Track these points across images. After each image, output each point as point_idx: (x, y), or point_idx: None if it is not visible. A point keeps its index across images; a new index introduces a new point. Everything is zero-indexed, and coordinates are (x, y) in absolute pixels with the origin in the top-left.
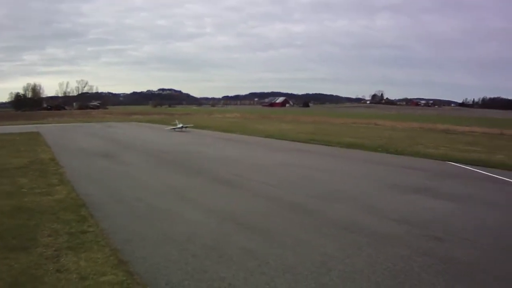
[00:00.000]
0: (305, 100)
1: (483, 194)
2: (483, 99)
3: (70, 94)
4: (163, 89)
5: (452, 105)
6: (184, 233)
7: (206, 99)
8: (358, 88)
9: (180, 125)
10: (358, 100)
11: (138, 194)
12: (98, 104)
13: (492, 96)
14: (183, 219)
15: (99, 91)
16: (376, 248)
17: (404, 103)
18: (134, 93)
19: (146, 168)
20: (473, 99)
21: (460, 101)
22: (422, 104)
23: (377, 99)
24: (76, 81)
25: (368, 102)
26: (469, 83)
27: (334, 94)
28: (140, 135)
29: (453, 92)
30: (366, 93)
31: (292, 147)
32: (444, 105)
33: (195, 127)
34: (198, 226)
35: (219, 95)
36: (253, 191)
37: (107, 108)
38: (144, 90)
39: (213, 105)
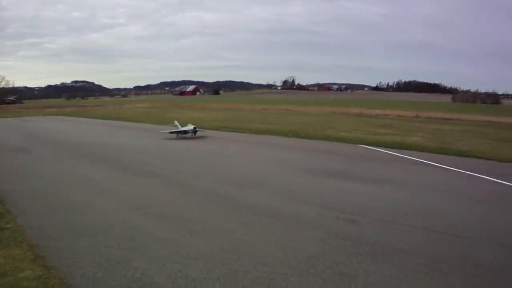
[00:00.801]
0: (216, 88)
1: (394, 175)
2: (398, 83)
3: None
4: (76, 81)
5: (366, 89)
6: (98, 225)
7: (118, 90)
8: (270, 74)
9: (191, 127)
10: (269, 87)
11: (54, 187)
12: (14, 99)
13: (407, 80)
14: (97, 211)
15: (15, 85)
16: (289, 232)
17: (316, 88)
18: (49, 86)
19: (59, 161)
20: (387, 82)
21: (374, 85)
22: (335, 89)
23: (288, 85)
24: None
25: (279, 88)
26: (383, 67)
27: (245, 81)
28: (54, 127)
29: (366, 76)
30: (277, 79)
31: (202, 135)
32: (357, 89)
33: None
34: (111, 217)
35: (130, 85)
36: (166, 180)
37: (22, 103)
38: (59, 83)
39: (124, 96)
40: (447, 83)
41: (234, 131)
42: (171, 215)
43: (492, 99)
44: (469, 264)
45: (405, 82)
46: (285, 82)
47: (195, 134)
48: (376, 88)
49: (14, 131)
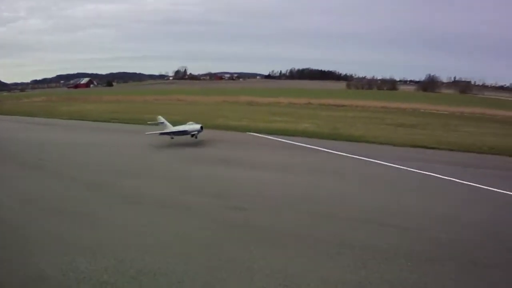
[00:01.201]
0: (109, 80)
1: (282, 161)
2: (291, 71)
3: None
4: None
5: (258, 77)
6: None
7: (16, 84)
8: (164, 65)
9: (196, 126)
10: (162, 77)
11: None
12: None
13: (300, 68)
14: None
15: None
16: (178, 221)
17: (208, 77)
18: None
19: None
20: (280, 71)
21: (267, 74)
22: (227, 78)
23: (180, 75)
24: None
25: (171, 78)
26: (276, 56)
27: (138, 72)
28: None
29: (259, 65)
30: (170, 70)
31: (94, 127)
32: (249, 78)
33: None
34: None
35: (28, 79)
36: (53, 173)
37: None
38: None
39: (22, 90)
40: (342, 70)
41: (125, 123)
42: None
43: (389, 85)
44: (346, 244)
45: (298, 70)
46: (177, 72)
47: (196, 137)
48: (269, 77)
49: None
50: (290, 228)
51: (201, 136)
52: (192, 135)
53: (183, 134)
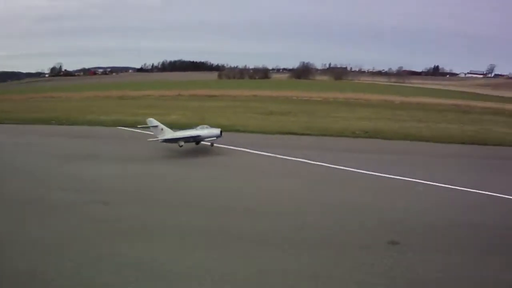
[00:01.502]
0: None
1: (149, 154)
2: (163, 63)
3: None
4: None
5: (130, 71)
6: None
7: None
8: (41, 62)
9: (216, 131)
10: (38, 75)
11: None
12: None
13: (172, 60)
14: None
15: None
16: (43, 218)
17: (82, 73)
18: None
19: None
20: (152, 63)
21: (139, 67)
22: (100, 73)
23: (56, 72)
24: None
25: (47, 75)
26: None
27: (16, 70)
28: None
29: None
30: (46, 67)
31: None
32: (122, 72)
33: None
34: None
35: None
36: None
37: None
38: None
39: None
40: (215, 61)
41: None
42: None
43: (262, 74)
44: (213, 232)
45: (170, 62)
46: (53, 69)
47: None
48: (141, 70)
49: None
50: (156, 220)
51: (68, 131)
52: (213, 139)
53: (195, 140)
